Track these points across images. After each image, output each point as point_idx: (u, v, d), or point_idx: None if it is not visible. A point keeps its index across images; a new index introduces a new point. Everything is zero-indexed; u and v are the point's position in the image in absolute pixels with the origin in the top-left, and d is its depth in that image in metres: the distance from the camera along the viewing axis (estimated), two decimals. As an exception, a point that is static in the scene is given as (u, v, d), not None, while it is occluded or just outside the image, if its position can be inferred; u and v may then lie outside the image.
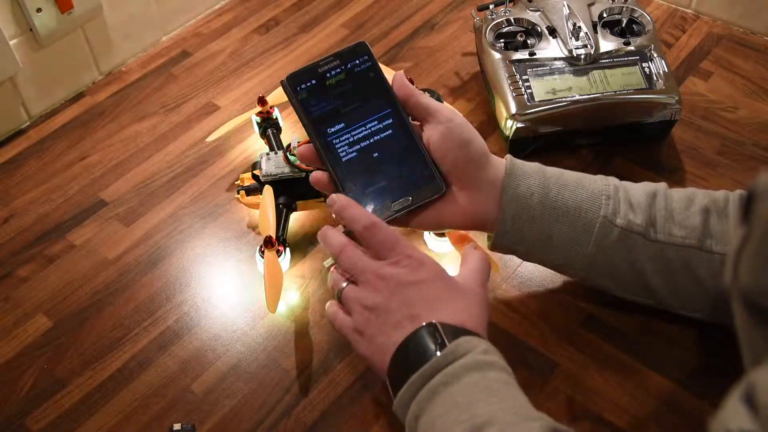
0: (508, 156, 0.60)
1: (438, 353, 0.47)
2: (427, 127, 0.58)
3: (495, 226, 0.59)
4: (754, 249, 0.33)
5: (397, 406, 0.49)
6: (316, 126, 0.58)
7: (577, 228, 0.58)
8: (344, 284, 0.55)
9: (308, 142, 0.59)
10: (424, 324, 0.49)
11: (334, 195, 0.57)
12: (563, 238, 0.58)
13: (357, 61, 0.59)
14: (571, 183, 0.59)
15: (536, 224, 0.58)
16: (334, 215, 0.56)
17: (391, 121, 0.59)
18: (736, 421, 0.30)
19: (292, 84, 0.58)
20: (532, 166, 0.59)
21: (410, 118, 0.59)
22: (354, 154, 0.58)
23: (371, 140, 0.58)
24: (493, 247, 0.61)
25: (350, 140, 0.58)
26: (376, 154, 0.58)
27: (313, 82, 0.58)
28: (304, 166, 0.71)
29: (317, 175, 0.59)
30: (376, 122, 0.59)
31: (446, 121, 0.57)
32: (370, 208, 0.57)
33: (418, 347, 0.49)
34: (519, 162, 0.59)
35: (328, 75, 0.59)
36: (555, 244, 0.59)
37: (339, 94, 0.59)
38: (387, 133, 0.59)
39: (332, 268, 0.57)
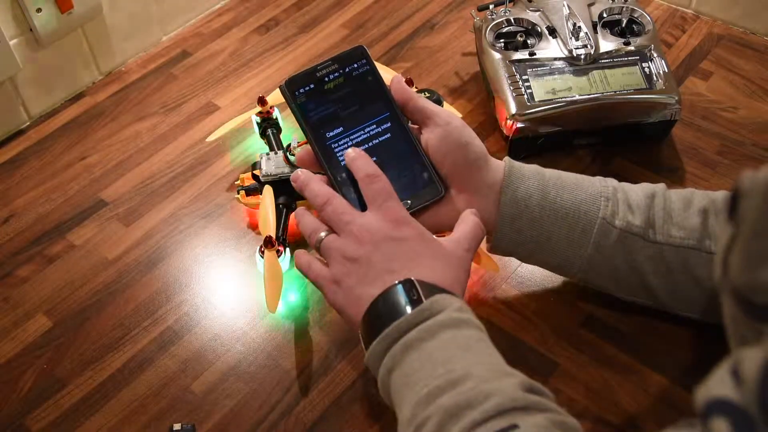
0: (507, 158, 0.60)
1: (414, 308, 0.48)
2: (426, 130, 0.58)
3: (494, 229, 0.59)
4: (743, 247, 0.34)
5: (369, 357, 0.49)
6: (315, 130, 0.58)
7: (576, 230, 0.58)
8: (323, 234, 0.54)
9: (307, 143, 0.59)
10: (402, 279, 0.50)
11: (297, 171, 0.57)
12: (562, 239, 0.58)
13: (355, 65, 0.59)
14: (569, 185, 0.59)
15: (535, 226, 0.58)
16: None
17: (389, 124, 0.59)
18: (721, 390, 0.30)
19: (291, 88, 0.58)
20: (531, 168, 0.59)
21: (408, 122, 0.59)
22: None
23: (370, 144, 0.58)
24: (493, 250, 0.61)
25: (349, 144, 0.58)
26: (374, 158, 0.58)
27: (312, 86, 0.58)
28: (304, 166, 0.71)
29: (301, 155, 0.59)
30: (374, 126, 0.59)
31: (444, 124, 0.57)
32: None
33: (394, 301, 0.49)
34: (517, 164, 0.59)
35: (326, 79, 0.59)
36: (554, 246, 0.59)
37: (337, 98, 0.59)
38: (385, 136, 0.59)
39: (304, 215, 0.57)
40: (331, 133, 0.58)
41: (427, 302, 0.48)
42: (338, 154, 0.58)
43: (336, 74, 0.59)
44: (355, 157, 0.56)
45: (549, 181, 0.59)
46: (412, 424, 0.44)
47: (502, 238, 0.59)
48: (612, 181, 0.60)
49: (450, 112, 0.59)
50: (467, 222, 0.56)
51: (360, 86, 0.59)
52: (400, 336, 0.48)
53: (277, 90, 0.81)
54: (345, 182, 0.57)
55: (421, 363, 0.46)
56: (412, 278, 0.50)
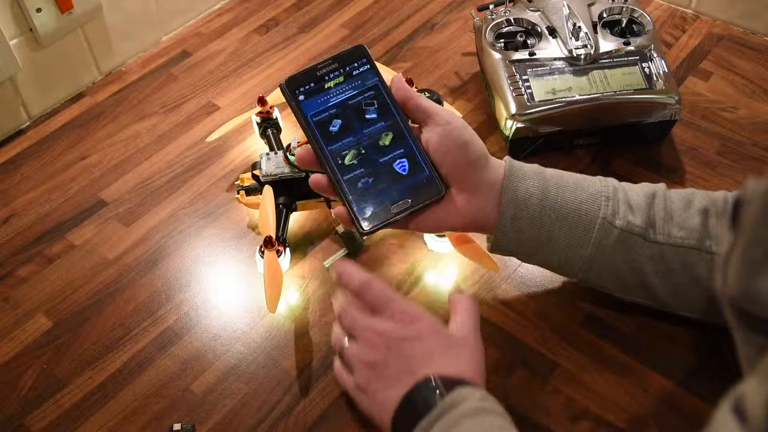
0: (507, 158, 0.60)
1: (436, 405, 0.48)
2: (426, 129, 0.58)
3: (494, 228, 0.59)
4: (740, 256, 0.33)
5: None
6: (315, 129, 0.58)
7: (576, 229, 0.58)
8: (345, 341, 0.56)
9: (307, 143, 0.59)
10: (422, 379, 0.50)
11: (336, 263, 0.60)
12: (563, 239, 0.58)
13: (355, 64, 0.59)
14: (570, 184, 0.59)
15: (535, 226, 0.58)
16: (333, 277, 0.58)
17: (389, 123, 0.59)
18: (728, 430, 0.30)
19: (291, 87, 0.58)
20: (531, 168, 0.59)
21: (409, 121, 0.59)
22: (353, 156, 0.58)
23: (370, 143, 0.58)
24: (493, 249, 0.61)
25: (349, 143, 0.58)
26: (374, 157, 0.58)
27: (312, 85, 0.58)
28: (304, 166, 0.71)
29: (317, 178, 0.59)
30: (374, 125, 0.59)
31: (445, 124, 0.57)
32: (369, 210, 0.57)
33: (417, 401, 0.50)
34: (518, 164, 0.59)
35: (326, 78, 0.59)
36: (554, 246, 0.59)
37: (338, 96, 0.59)
38: (385, 135, 0.59)
39: (335, 326, 0.59)
40: (332, 132, 0.58)
41: (448, 397, 0.49)
42: (338, 153, 0.58)
43: (336, 73, 0.59)
44: (341, 272, 0.57)
45: (549, 181, 0.59)
46: None
47: (502, 237, 0.59)
48: (612, 181, 0.60)
49: (450, 112, 0.59)
50: (461, 303, 0.57)
51: (360, 85, 0.59)
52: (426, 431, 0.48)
53: (277, 90, 0.81)
54: (345, 181, 0.57)
55: None
56: (431, 375, 0.50)
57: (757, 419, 0.28)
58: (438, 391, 0.49)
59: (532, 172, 0.59)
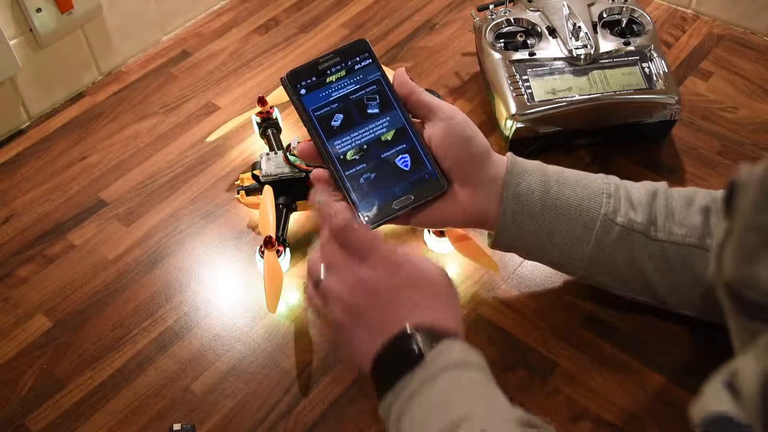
0: (510, 154, 0.60)
1: (417, 359, 0.48)
2: (429, 124, 0.58)
3: (495, 224, 0.59)
4: (736, 241, 0.33)
5: (381, 411, 0.50)
6: (316, 123, 0.58)
7: (577, 226, 0.58)
8: (323, 274, 0.54)
9: (309, 141, 0.59)
10: (402, 329, 0.50)
11: (314, 193, 0.56)
12: (564, 235, 0.58)
13: (357, 58, 0.59)
14: (571, 181, 0.59)
15: (537, 222, 0.58)
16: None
17: (391, 118, 0.59)
18: (718, 404, 0.30)
19: (292, 81, 0.58)
20: (533, 164, 0.59)
21: (411, 116, 0.59)
22: (354, 151, 0.58)
23: (372, 138, 0.58)
24: (494, 245, 0.61)
25: (351, 138, 0.58)
26: (376, 152, 0.58)
27: (314, 79, 0.58)
28: (304, 166, 0.71)
29: (318, 173, 0.59)
30: (376, 119, 0.58)
31: (447, 119, 0.57)
32: (371, 206, 0.57)
33: (398, 354, 0.49)
34: (520, 160, 0.59)
35: (328, 72, 0.58)
36: (555, 242, 0.59)
37: (339, 91, 0.58)
38: (388, 130, 0.59)
39: (312, 252, 0.57)
40: (333, 127, 0.58)
41: (430, 352, 0.48)
42: (340, 148, 0.58)
43: (338, 67, 0.59)
44: (323, 204, 0.55)
45: (551, 177, 0.59)
46: None
47: (503, 233, 0.59)
48: (614, 179, 0.60)
49: (453, 107, 0.59)
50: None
51: (362, 79, 0.59)
52: (405, 386, 0.48)
53: (278, 90, 0.81)
54: (347, 176, 0.57)
55: (424, 409, 0.47)
56: (413, 327, 0.50)
57: (750, 395, 0.28)
58: (420, 343, 0.49)
59: (534, 168, 0.59)
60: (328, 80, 0.58)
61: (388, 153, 0.58)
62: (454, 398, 0.47)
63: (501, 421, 0.45)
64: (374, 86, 0.59)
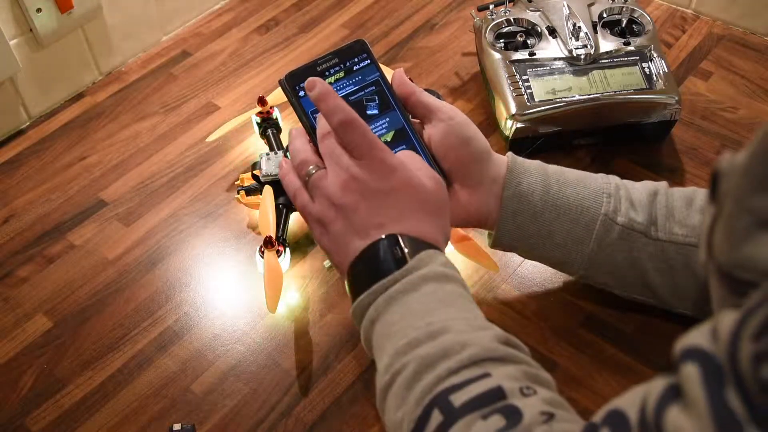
0: (510, 153, 0.60)
1: (399, 265, 0.49)
2: (428, 125, 0.58)
3: (496, 224, 0.59)
4: (726, 224, 0.34)
5: (355, 309, 0.50)
6: (316, 125, 0.58)
7: (578, 225, 0.58)
8: (313, 169, 0.54)
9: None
10: (387, 234, 0.50)
11: (312, 78, 0.54)
12: (564, 235, 0.58)
13: (356, 59, 0.59)
14: (572, 180, 0.59)
15: (537, 221, 0.58)
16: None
17: (390, 119, 0.59)
18: (697, 339, 0.32)
19: (291, 83, 0.58)
20: (534, 164, 0.59)
21: (410, 116, 0.59)
22: None
23: None
24: (494, 245, 0.61)
25: None
26: None
27: None
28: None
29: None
30: (375, 120, 0.58)
31: (447, 119, 0.57)
32: None
33: (379, 256, 0.50)
34: (520, 159, 0.59)
35: (327, 73, 0.58)
36: (556, 242, 0.59)
37: (338, 92, 0.58)
38: (387, 131, 0.59)
39: (297, 137, 0.56)
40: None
41: (412, 260, 0.49)
42: None
43: (337, 68, 0.59)
44: (325, 94, 0.53)
45: (551, 177, 0.59)
46: (389, 371, 0.46)
47: (503, 232, 0.59)
48: (614, 178, 0.60)
49: (453, 107, 0.59)
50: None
51: (361, 80, 0.59)
52: (384, 290, 0.49)
53: (278, 90, 0.81)
54: None
55: (402, 315, 0.47)
56: (398, 233, 0.50)
57: (723, 336, 0.30)
58: (403, 251, 0.49)
59: (534, 168, 0.59)
60: (327, 81, 0.58)
61: None
62: (434, 308, 0.47)
63: (479, 334, 0.46)
64: (373, 87, 0.59)
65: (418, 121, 0.60)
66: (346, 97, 0.58)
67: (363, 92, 0.59)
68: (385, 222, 0.51)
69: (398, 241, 0.50)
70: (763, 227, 0.32)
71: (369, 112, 0.59)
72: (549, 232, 0.59)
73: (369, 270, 0.50)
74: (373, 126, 0.58)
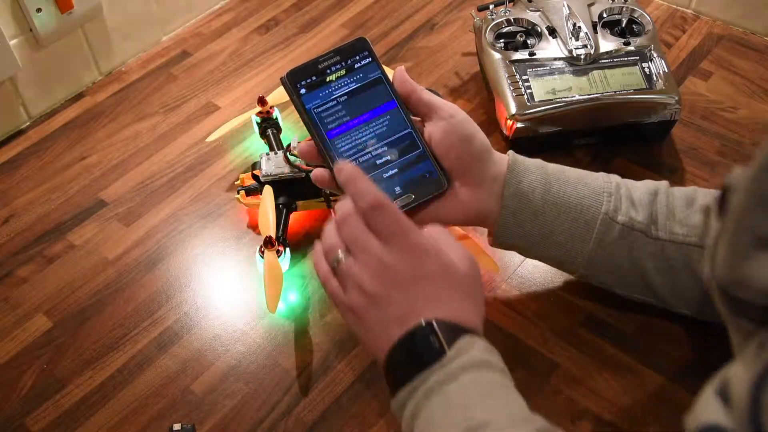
0: (510, 152, 0.60)
1: (436, 354, 0.47)
2: (429, 123, 0.58)
3: (496, 222, 0.59)
4: (727, 242, 0.34)
5: (394, 405, 0.49)
6: (317, 122, 0.58)
7: (578, 224, 0.58)
8: (341, 254, 0.51)
9: (309, 140, 0.59)
10: (423, 323, 0.48)
11: (341, 162, 0.53)
12: (564, 234, 0.58)
13: (357, 57, 0.59)
14: (573, 179, 0.59)
15: (537, 220, 0.58)
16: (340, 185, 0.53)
17: (392, 117, 0.59)
18: (709, 415, 0.30)
19: (292, 81, 0.58)
20: (535, 162, 0.60)
21: (411, 115, 0.59)
22: (355, 150, 0.58)
23: (372, 137, 0.58)
24: (494, 243, 0.61)
25: (351, 137, 0.58)
26: (377, 151, 0.58)
27: (314, 78, 0.58)
28: (304, 166, 0.71)
29: (318, 173, 0.58)
30: (377, 118, 0.58)
31: (448, 117, 0.57)
32: None
33: (416, 347, 0.48)
34: (521, 158, 0.59)
35: (328, 71, 0.58)
36: (556, 240, 0.59)
37: (339, 90, 0.58)
38: (388, 129, 0.59)
39: (328, 224, 0.54)
40: (333, 126, 0.58)
41: (451, 349, 0.47)
42: (340, 147, 0.58)
43: (338, 66, 0.59)
44: (353, 177, 0.51)
45: (552, 176, 0.59)
46: None
47: (503, 231, 0.59)
48: (615, 177, 0.60)
49: (453, 105, 0.58)
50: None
51: (362, 78, 0.59)
52: (422, 383, 0.47)
53: (277, 90, 0.81)
54: None
55: (441, 409, 0.46)
56: (434, 320, 0.48)
57: (740, 403, 0.28)
58: (440, 339, 0.47)
59: (535, 167, 0.59)
60: (328, 79, 0.58)
61: (389, 152, 0.58)
62: (474, 401, 0.45)
63: (520, 429, 0.44)
64: (374, 85, 0.59)
65: (419, 119, 0.60)
66: (347, 95, 0.58)
67: (364, 90, 0.59)
68: (420, 309, 0.49)
69: (434, 329, 0.48)
70: (762, 246, 0.31)
71: (370, 110, 0.59)
72: (549, 231, 0.59)
73: (406, 362, 0.48)
74: (374, 124, 0.58)
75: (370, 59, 0.59)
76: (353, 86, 0.59)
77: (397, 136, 0.58)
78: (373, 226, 0.50)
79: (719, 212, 0.36)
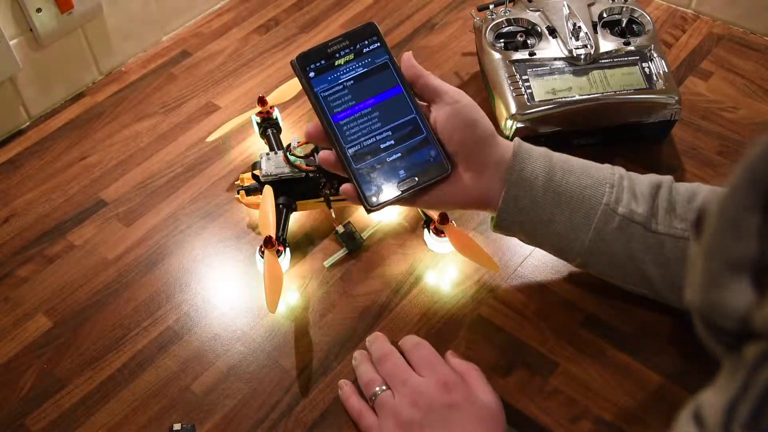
0: (517, 139, 0.60)
1: None
2: (434, 107, 0.59)
3: (498, 207, 0.59)
4: (701, 266, 0.33)
5: None
6: (325, 106, 0.59)
7: (578, 214, 0.58)
8: (378, 389, 0.58)
9: (317, 122, 0.59)
10: None
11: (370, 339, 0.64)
12: (564, 223, 0.59)
13: (366, 42, 0.60)
14: (577, 169, 0.59)
15: (538, 207, 0.58)
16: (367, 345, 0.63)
17: (399, 101, 0.59)
18: None
19: (302, 64, 0.59)
20: (539, 150, 0.60)
21: (418, 99, 0.60)
22: (362, 134, 0.59)
23: (379, 120, 0.59)
24: (495, 228, 0.61)
25: (358, 120, 0.59)
26: (383, 135, 0.59)
27: (323, 62, 0.59)
28: (304, 166, 0.71)
29: (325, 155, 0.59)
30: (384, 102, 0.59)
31: (453, 102, 0.58)
32: (376, 188, 0.58)
33: None
34: (526, 145, 0.60)
35: (337, 55, 0.59)
36: (556, 229, 0.59)
37: (348, 74, 0.59)
38: (395, 113, 0.59)
39: (362, 363, 0.61)
40: (341, 109, 0.59)
41: None
42: (347, 131, 0.58)
43: (347, 50, 0.59)
44: (374, 344, 0.63)
45: (556, 164, 0.59)
46: None
47: (504, 216, 0.59)
48: (620, 170, 0.61)
49: (459, 90, 0.59)
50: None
51: (370, 63, 0.60)
52: None
53: (278, 90, 0.81)
54: (353, 158, 0.58)
55: None
56: None
57: (713, 427, 0.28)
58: None
59: (539, 155, 0.59)
60: (337, 63, 0.59)
61: (395, 135, 0.59)
62: None
63: None
64: (382, 69, 0.60)
65: (425, 104, 0.60)
66: (355, 79, 0.59)
67: (372, 74, 0.59)
68: None
69: None
70: (732, 271, 0.31)
71: (377, 95, 0.59)
72: (549, 219, 0.59)
73: None
74: (381, 108, 0.59)
75: (379, 44, 0.60)
76: (362, 70, 0.59)
77: (402, 120, 0.59)
78: (412, 358, 0.59)
79: (695, 236, 0.36)
